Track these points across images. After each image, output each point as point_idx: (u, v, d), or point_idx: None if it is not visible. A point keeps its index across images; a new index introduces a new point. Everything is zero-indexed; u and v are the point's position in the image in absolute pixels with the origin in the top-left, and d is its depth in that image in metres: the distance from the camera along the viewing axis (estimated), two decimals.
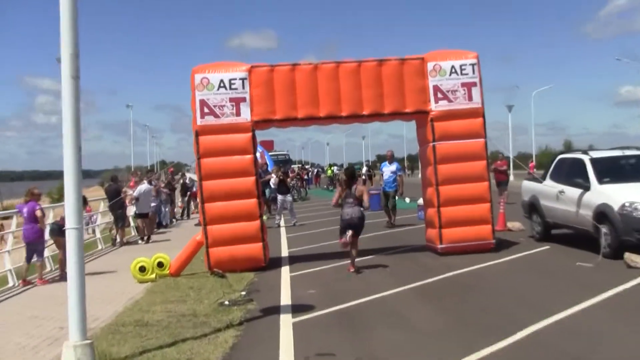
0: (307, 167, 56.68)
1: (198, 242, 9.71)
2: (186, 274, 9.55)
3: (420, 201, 12.72)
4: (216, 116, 9.54)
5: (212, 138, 9.56)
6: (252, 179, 9.61)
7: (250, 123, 9.63)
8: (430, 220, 10.38)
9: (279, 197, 16.77)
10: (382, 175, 15.50)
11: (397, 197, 15.05)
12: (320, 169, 56.94)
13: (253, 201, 9.59)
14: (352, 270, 9.00)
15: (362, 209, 9.00)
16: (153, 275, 9.38)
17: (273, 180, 18.15)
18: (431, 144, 9.95)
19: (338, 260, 9.94)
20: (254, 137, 9.73)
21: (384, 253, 10.60)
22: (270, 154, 40.96)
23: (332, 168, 46.42)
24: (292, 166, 49.34)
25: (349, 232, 8.96)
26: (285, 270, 9.50)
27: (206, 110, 9.51)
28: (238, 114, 9.54)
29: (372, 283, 8.14)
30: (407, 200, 23.02)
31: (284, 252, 11.59)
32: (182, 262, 9.61)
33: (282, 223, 17.13)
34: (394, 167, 15.07)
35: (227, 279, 8.63)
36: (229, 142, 9.56)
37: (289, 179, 17.29)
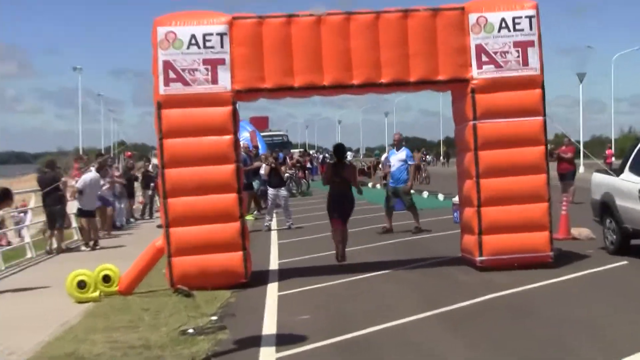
0: (311, 152, 56.86)
1: (158, 250, 9.76)
2: (141, 291, 9.59)
3: (456, 199, 12.70)
4: (185, 83, 9.56)
5: (180, 112, 9.59)
6: (231, 167, 9.65)
7: (230, 93, 9.67)
8: (467, 224, 10.41)
9: (270, 191, 16.90)
10: (388, 166, 15.61)
11: (410, 193, 15.18)
12: (327, 155, 57.02)
13: (232, 196, 9.63)
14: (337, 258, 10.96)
15: (349, 189, 10.67)
16: (96, 293, 9.40)
17: (263, 169, 18.18)
18: (471, 123, 9.97)
19: (344, 275, 10.02)
20: (235, 112, 9.77)
21: (405, 267, 10.67)
22: (262, 134, 41.19)
23: None
24: (292, 151, 49.59)
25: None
26: (272, 288, 9.56)
27: (172, 75, 9.54)
28: (214, 80, 9.60)
29: (387, 306, 8.17)
30: (441, 197, 23.08)
31: (273, 264, 11.78)
32: (135, 276, 9.65)
33: (273, 225, 17.24)
34: (403, 154, 15.10)
35: (194, 298, 8.69)
36: (202, 117, 9.61)
37: (284, 168, 17.31)
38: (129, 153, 25.24)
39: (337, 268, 10.79)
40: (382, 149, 45.83)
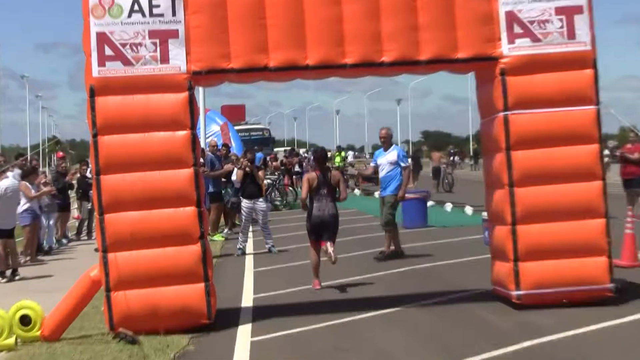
0: (300, 151, 56.87)
1: (93, 282, 9.74)
2: (71, 337, 9.54)
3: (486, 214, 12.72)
4: (126, 62, 9.58)
5: (119, 101, 9.59)
6: (188, 172, 9.64)
7: (185, 75, 9.69)
8: (499, 248, 10.43)
9: (244, 203, 16.88)
10: (372, 167, 15.78)
11: (396, 206, 15.26)
12: None
13: (189, 211, 9.63)
14: (314, 287, 12.24)
15: (335, 204, 11.90)
16: (11, 340, 9.34)
17: (235, 174, 18.14)
18: (501, 115, 10.02)
19: (336, 315, 10.03)
20: (192, 100, 9.77)
21: (418, 303, 10.71)
22: (237, 128, 41.17)
23: (342, 154, 46.47)
24: (276, 150, 49.53)
25: (330, 247, 11.89)
26: (243, 332, 9.57)
27: (109, 51, 9.55)
28: (164, 59, 9.63)
29: (394, 358, 8.14)
30: (469, 210, 23.12)
31: (246, 300, 11.78)
32: (64, 317, 9.61)
33: (248, 248, 17.29)
34: (393, 154, 15.16)
35: (140, 345, 8.67)
36: (149, 107, 9.62)
37: (262, 173, 17.31)
38: (61, 153, 25.21)
39: (328, 305, 10.79)
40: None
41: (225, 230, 20.69)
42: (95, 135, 9.57)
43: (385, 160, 15.09)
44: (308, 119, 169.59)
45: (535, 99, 9.85)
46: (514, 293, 9.97)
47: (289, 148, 56.91)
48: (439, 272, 13.38)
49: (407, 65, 10.02)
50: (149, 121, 9.57)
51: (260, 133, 48.80)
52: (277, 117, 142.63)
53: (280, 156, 43.61)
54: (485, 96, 10.43)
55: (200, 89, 24.74)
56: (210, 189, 19.26)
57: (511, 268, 9.99)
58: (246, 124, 50.95)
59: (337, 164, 44.21)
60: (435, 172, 38.56)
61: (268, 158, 39.16)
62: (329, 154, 58.22)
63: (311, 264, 12.41)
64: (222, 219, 21.20)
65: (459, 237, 17.71)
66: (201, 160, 14.11)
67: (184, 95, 9.65)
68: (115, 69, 9.53)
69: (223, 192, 20.27)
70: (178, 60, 9.61)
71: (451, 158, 56.82)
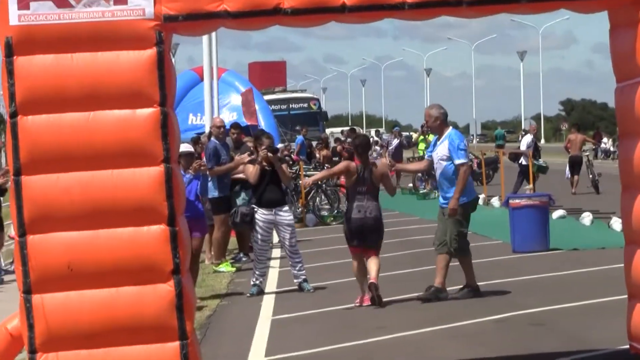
0: (372, 133, 56.89)
1: (12, 339, 9.81)
2: None
3: None
4: (62, 2, 9.57)
5: (50, 62, 9.61)
6: (156, 171, 9.63)
7: (154, 23, 9.67)
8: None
9: (260, 215, 16.86)
10: (431, 163, 16.13)
11: (460, 222, 15.61)
12: (405, 138, 57.18)
13: (157, 231, 9.61)
14: (361, 303, 14.89)
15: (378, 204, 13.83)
16: None
17: (245, 170, 18.01)
18: None
19: None
20: (162, 59, 9.69)
21: None
22: (269, 98, 41.09)
23: (429, 138, 46.32)
24: (329, 131, 49.51)
25: (373, 269, 14.63)
26: None
27: None
28: None
29: None
30: (617, 225, 22.81)
31: None
32: None
33: (269, 284, 17.34)
34: (444, 146, 15.65)
35: None
36: (96, 71, 9.64)
37: (285, 167, 17.35)
38: None
39: None
40: (509, 125, 46.01)
41: (241, 256, 20.64)
42: (13, 115, 9.55)
43: (436, 154, 15.56)
44: (384, 81, 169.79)
45: None
46: None
47: (347, 128, 56.61)
48: (555, 321, 13.43)
49: (497, 3, 10.09)
50: (97, 93, 9.54)
51: (305, 105, 48.70)
52: (337, 79, 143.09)
53: (334, 138, 43.34)
54: (622, 49, 10.36)
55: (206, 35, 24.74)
56: (214, 193, 19.24)
57: None
58: (283, 91, 50.89)
59: (420, 152, 44.11)
60: (573, 164, 37.71)
61: (314, 144, 38.93)
62: (413, 137, 58.68)
63: (355, 275, 14.89)
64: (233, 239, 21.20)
65: (597, 265, 17.68)
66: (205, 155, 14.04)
67: (151, 52, 9.57)
68: (44, 13, 9.47)
69: (236, 196, 20.19)
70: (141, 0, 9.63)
71: (604, 143, 56.56)
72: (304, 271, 16.98)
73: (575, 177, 36.98)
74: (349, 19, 10.36)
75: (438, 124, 15.76)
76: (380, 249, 15.02)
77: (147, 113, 9.58)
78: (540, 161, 35.19)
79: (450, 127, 16.02)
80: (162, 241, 9.55)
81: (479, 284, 15.61)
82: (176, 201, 9.68)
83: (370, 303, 14.75)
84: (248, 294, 16.52)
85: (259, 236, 16.98)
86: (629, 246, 10.73)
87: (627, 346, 10.66)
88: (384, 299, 14.66)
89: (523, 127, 73.86)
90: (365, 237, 14.45)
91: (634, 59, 10.04)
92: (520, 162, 34.36)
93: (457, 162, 15.35)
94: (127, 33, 9.59)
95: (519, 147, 37.49)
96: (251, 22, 10.12)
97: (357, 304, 14.89)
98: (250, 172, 17.12)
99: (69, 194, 9.50)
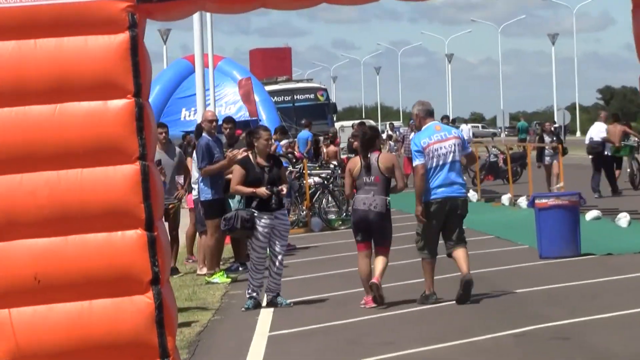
0: (386, 127, 56.89)
1: None
2: None
3: None
4: None
5: (11, 49, 9.68)
6: (131, 170, 9.68)
7: (126, 4, 9.70)
8: None
9: (264, 221, 16.86)
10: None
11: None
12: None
13: (133, 237, 9.67)
14: (367, 305, 15.77)
15: (388, 197, 14.57)
16: None
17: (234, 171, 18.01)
18: None
19: None
20: (136, 45, 9.72)
21: None
22: (270, 89, 41.09)
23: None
24: (339, 125, 49.55)
25: (378, 267, 15.29)
26: None
27: None
28: None
29: None
30: None
31: None
32: None
33: (261, 296, 17.60)
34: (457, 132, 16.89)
35: None
36: (61, 59, 9.71)
37: (296, 162, 17.42)
38: None
39: None
40: (541, 116, 45.91)
41: (237, 266, 20.63)
42: None
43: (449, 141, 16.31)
44: (401, 69, 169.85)
45: None
46: None
47: (357, 122, 56.45)
48: (582, 334, 13.55)
49: None
50: (63, 83, 9.59)
51: (312, 96, 48.65)
52: (348, 67, 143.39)
53: (347, 134, 43.09)
54: None
55: (203, 16, 24.71)
56: (208, 196, 19.20)
57: None
58: (287, 81, 50.79)
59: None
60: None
61: (322, 139, 38.69)
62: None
63: (360, 274, 15.56)
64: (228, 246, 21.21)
65: (633, 272, 17.83)
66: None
67: (123, 37, 9.61)
68: None
69: (233, 200, 20.16)
70: None
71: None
72: (279, 284, 17.19)
73: (617, 171, 36.93)
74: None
75: (419, 121, 16.56)
76: (388, 249, 15.74)
77: (120, 105, 9.61)
78: (631, 140, 35.78)
79: (429, 123, 16.41)
80: (138, 248, 9.58)
81: (498, 293, 15.88)
82: (154, 203, 9.81)
83: (373, 304, 15.53)
84: (243, 308, 16.58)
85: (260, 244, 17.06)
86: None
87: None
88: (393, 312, 15.05)
89: (555, 118, 73.73)
90: (370, 233, 15.21)
91: None
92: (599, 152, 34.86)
93: (467, 151, 16.69)
94: (96, 16, 9.61)
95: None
96: (233, 2, 10.32)
97: (362, 305, 15.73)
98: (235, 175, 17.12)
99: (34, 196, 9.52)
